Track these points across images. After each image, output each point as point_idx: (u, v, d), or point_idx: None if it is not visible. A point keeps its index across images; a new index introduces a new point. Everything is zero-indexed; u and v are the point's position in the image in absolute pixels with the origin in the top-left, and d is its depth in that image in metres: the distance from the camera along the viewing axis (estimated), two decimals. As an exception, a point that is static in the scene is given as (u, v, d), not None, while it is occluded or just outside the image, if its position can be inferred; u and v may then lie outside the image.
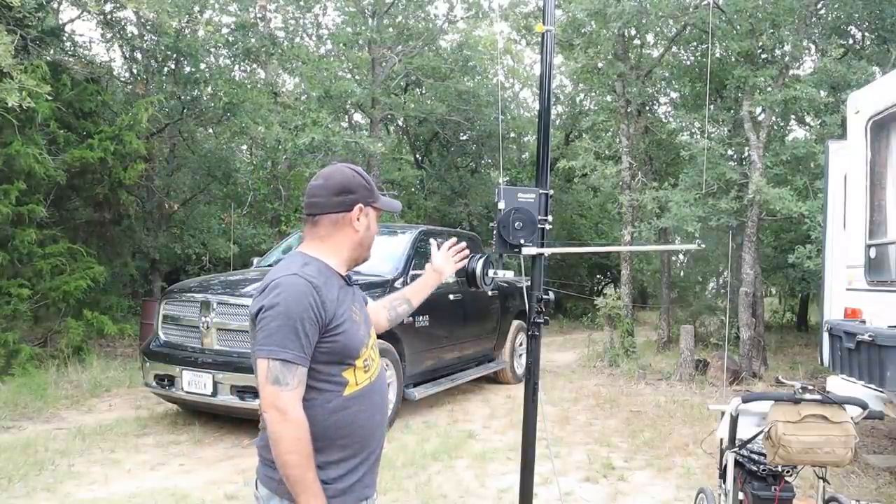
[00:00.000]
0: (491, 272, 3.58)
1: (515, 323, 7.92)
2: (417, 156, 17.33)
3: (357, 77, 13.12)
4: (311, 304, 1.56)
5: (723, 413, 2.96)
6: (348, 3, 12.56)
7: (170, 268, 11.52)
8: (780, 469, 2.69)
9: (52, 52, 8.77)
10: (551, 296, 2.93)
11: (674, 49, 10.59)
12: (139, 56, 10.89)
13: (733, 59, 8.75)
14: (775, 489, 2.68)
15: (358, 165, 1.92)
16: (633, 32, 9.93)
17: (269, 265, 6.70)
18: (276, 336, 1.54)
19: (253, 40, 10.92)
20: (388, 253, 6.30)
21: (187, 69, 10.74)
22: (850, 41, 9.94)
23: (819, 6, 9.02)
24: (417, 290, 2.17)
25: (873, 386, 3.81)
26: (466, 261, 2.45)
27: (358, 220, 1.74)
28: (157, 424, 5.70)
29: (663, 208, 9.23)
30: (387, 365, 5.49)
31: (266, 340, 1.54)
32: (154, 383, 5.51)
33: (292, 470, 1.50)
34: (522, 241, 2.86)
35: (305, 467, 1.51)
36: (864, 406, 2.64)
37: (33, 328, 8.41)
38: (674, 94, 11.91)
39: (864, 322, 4.42)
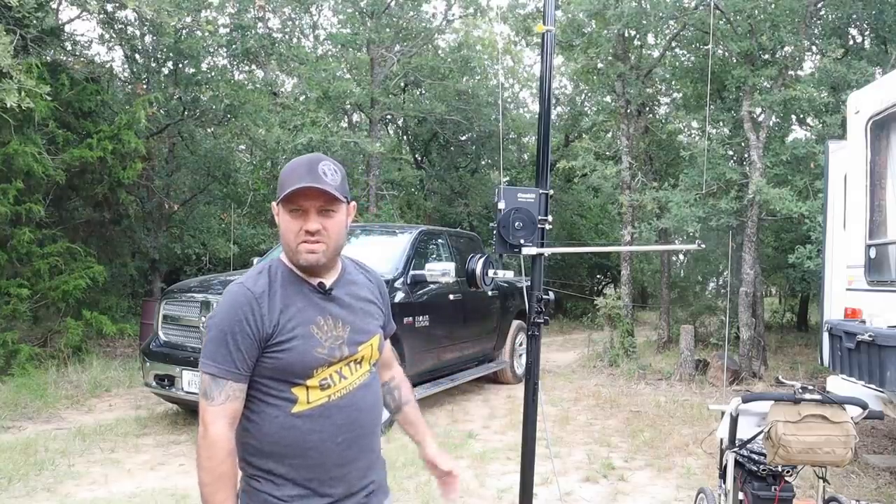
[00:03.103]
0: (491, 272, 3.58)
1: (515, 323, 7.92)
2: (417, 156, 17.32)
3: (356, 77, 13.12)
4: (244, 317, 1.46)
5: (723, 413, 2.96)
6: (346, 4, 12.56)
7: (169, 268, 11.51)
8: (780, 469, 2.69)
9: (51, 51, 8.76)
10: (551, 296, 2.94)
11: (674, 49, 10.59)
12: (139, 56, 10.89)
13: (733, 60, 8.75)
14: (775, 489, 2.68)
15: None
16: (633, 33, 9.93)
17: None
18: (208, 348, 1.49)
19: (252, 41, 10.92)
20: (387, 253, 6.30)
21: (187, 70, 10.75)
22: (850, 41, 9.94)
23: (819, 6, 9.02)
24: (412, 420, 1.87)
25: (873, 386, 3.81)
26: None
27: (276, 218, 1.59)
28: (157, 424, 5.70)
29: (663, 208, 9.23)
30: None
31: (202, 352, 1.50)
32: (154, 383, 5.51)
33: (202, 488, 1.43)
34: (522, 241, 2.86)
35: (215, 488, 1.43)
36: (864, 406, 2.64)
37: (33, 328, 8.41)
38: (674, 95, 11.91)
39: (864, 322, 4.42)
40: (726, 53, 9.10)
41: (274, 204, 1.56)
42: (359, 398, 1.59)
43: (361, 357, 1.61)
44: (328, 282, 1.60)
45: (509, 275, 7.86)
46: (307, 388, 1.51)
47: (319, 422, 1.52)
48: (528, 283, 2.97)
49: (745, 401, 2.72)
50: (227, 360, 1.46)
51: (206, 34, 9.81)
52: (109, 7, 9.03)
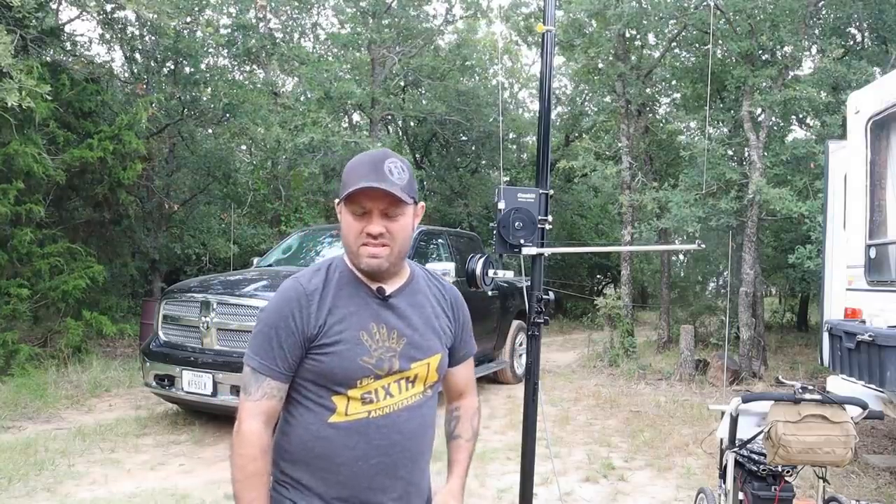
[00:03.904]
0: (491, 272, 3.58)
1: (515, 323, 7.92)
2: (417, 156, 17.32)
3: (356, 77, 13.12)
4: (291, 313, 1.40)
5: (723, 413, 2.96)
6: (347, 4, 12.56)
7: (170, 268, 11.52)
8: (780, 469, 2.69)
9: (51, 51, 8.76)
10: (551, 296, 2.93)
11: (674, 50, 10.59)
12: (139, 56, 10.89)
13: (733, 60, 8.75)
14: (775, 489, 2.68)
15: None
16: (633, 33, 9.93)
17: (269, 265, 6.70)
18: (253, 341, 1.43)
19: (253, 41, 10.92)
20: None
21: (187, 70, 10.75)
22: (850, 41, 9.94)
23: (819, 6, 9.02)
24: (453, 457, 1.69)
25: (873, 386, 3.81)
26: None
27: (340, 216, 1.48)
28: (157, 424, 5.70)
29: (663, 209, 9.23)
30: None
31: (248, 343, 1.45)
32: (154, 383, 5.51)
33: (233, 484, 1.39)
34: (522, 241, 2.86)
35: (244, 486, 1.38)
36: (864, 406, 2.64)
37: (33, 328, 8.41)
38: (674, 95, 11.92)
39: (864, 322, 4.42)
40: (726, 53, 9.11)
41: (336, 202, 1.47)
42: (402, 420, 1.46)
43: (415, 375, 1.48)
44: (389, 288, 1.49)
45: (509, 275, 7.89)
46: (348, 398, 1.42)
47: (355, 438, 1.42)
48: (528, 283, 2.97)
49: (745, 401, 2.72)
50: (268, 355, 1.41)
51: (207, 34, 9.82)
52: (109, 7, 9.03)
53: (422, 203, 1.53)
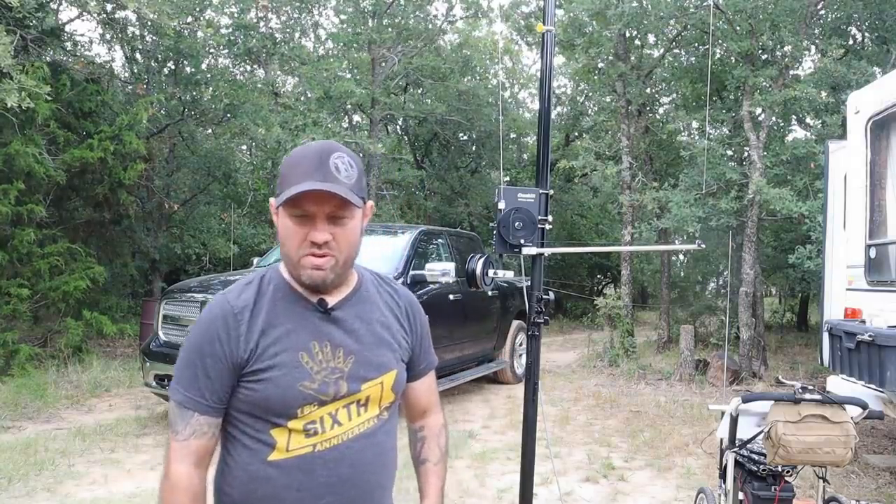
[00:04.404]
0: (491, 272, 3.58)
1: (515, 323, 7.92)
2: (417, 156, 17.33)
3: (357, 77, 13.13)
4: (216, 336, 1.21)
5: (723, 413, 2.96)
6: (347, 4, 12.57)
7: (170, 268, 11.52)
8: (780, 469, 2.69)
9: (51, 52, 8.77)
10: (551, 296, 2.94)
11: (674, 49, 10.60)
12: (139, 56, 10.90)
13: (733, 60, 8.75)
14: (775, 489, 2.68)
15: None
16: (633, 33, 9.93)
17: (269, 265, 6.70)
18: (178, 370, 1.24)
19: (254, 41, 10.93)
20: (387, 253, 6.30)
21: (188, 70, 10.75)
22: (850, 41, 9.94)
23: (819, 6, 9.02)
24: (423, 483, 1.57)
25: (873, 386, 3.81)
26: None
27: (275, 219, 1.29)
28: (157, 424, 5.70)
29: (663, 208, 9.23)
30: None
31: (174, 373, 1.26)
32: (154, 383, 5.51)
33: None
34: (522, 241, 2.86)
35: None
36: (864, 406, 2.64)
37: (33, 328, 8.41)
38: (674, 95, 11.91)
39: (864, 322, 4.42)
40: (726, 53, 9.11)
41: (272, 202, 1.25)
42: (355, 452, 1.27)
43: (367, 398, 1.30)
44: (332, 299, 1.29)
45: (509, 275, 7.87)
46: (289, 431, 1.23)
47: (299, 477, 1.23)
48: (528, 283, 2.97)
49: (745, 401, 2.72)
50: (194, 386, 1.22)
51: (208, 34, 9.82)
52: (109, 7, 9.04)
53: (370, 202, 1.34)
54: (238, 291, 1.28)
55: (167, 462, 1.24)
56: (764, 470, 2.72)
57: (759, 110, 8.55)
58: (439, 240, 7.19)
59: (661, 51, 10.54)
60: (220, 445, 1.30)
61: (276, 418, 1.23)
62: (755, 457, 2.79)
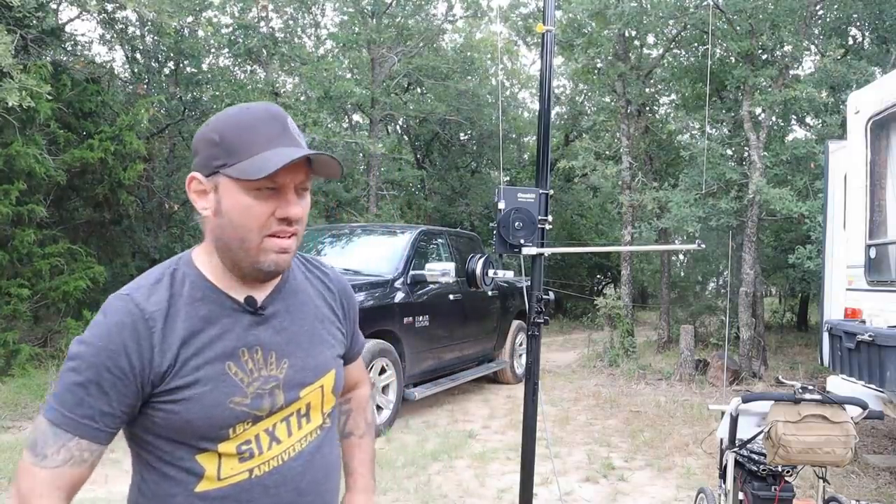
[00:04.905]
0: (491, 272, 3.59)
1: (515, 323, 7.92)
2: (418, 156, 17.34)
3: (357, 77, 13.14)
4: (122, 348, 0.99)
5: (723, 413, 2.96)
6: (347, 4, 12.58)
7: (170, 268, 11.52)
8: (780, 469, 2.69)
9: (52, 52, 8.77)
10: (551, 296, 2.95)
11: (674, 49, 10.60)
12: (140, 56, 10.90)
13: (733, 60, 8.75)
14: (775, 489, 2.68)
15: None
16: (633, 33, 9.93)
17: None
18: (62, 385, 1.01)
19: (255, 40, 10.93)
20: (387, 253, 6.30)
21: (188, 70, 10.76)
22: (850, 41, 9.95)
23: (819, 7, 9.02)
24: (349, 458, 1.35)
25: (873, 386, 3.81)
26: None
27: (197, 197, 1.07)
28: (157, 424, 5.70)
29: (663, 208, 9.24)
30: (386, 365, 5.49)
31: (53, 389, 1.02)
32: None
33: None
34: (522, 241, 2.87)
35: None
36: (864, 406, 2.64)
37: (33, 328, 8.41)
38: (674, 95, 11.92)
39: (864, 322, 4.42)
40: (726, 53, 9.11)
41: (200, 177, 1.05)
42: (299, 472, 1.09)
43: (307, 406, 1.12)
44: (260, 295, 1.10)
45: (509, 275, 7.86)
46: (219, 455, 1.04)
47: None
48: (528, 283, 2.98)
49: (745, 401, 2.72)
50: (81, 405, 0.98)
51: (208, 34, 9.83)
52: (109, 7, 9.05)
53: None
54: (147, 292, 1.04)
55: (26, 495, 0.97)
56: (764, 470, 2.73)
57: (759, 110, 8.56)
58: (439, 240, 7.20)
59: (661, 51, 10.54)
60: (134, 472, 1.10)
61: (202, 442, 1.03)
62: (755, 457, 2.79)
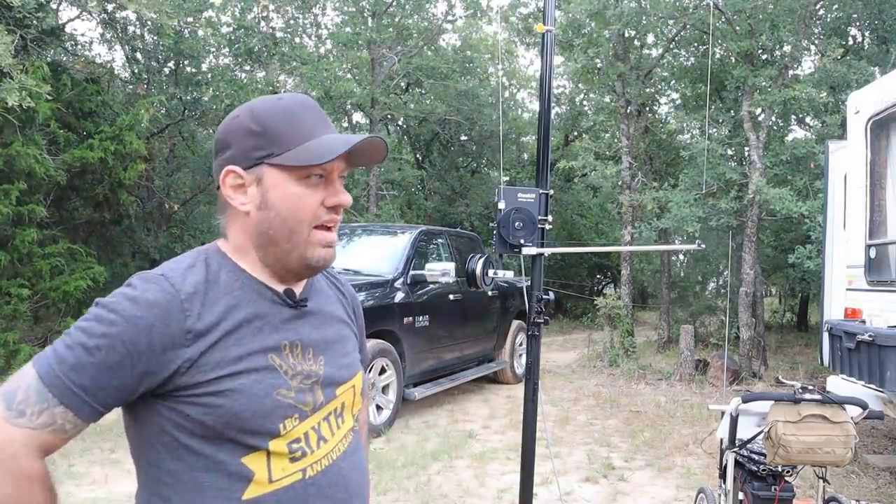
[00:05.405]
0: (491, 272, 3.58)
1: (515, 323, 7.92)
2: (418, 156, 17.33)
3: (357, 77, 13.14)
4: (151, 326, 0.89)
5: (723, 413, 2.96)
6: (347, 3, 12.58)
7: (170, 268, 11.53)
8: (780, 469, 2.69)
9: (52, 52, 8.78)
10: (551, 296, 2.94)
11: (674, 49, 10.60)
12: (140, 56, 10.91)
13: (733, 60, 8.75)
14: (775, 489, 2.68)
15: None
16: (632, 33, 9.94)
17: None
18: (65, 342, 0.89)
19: (255, 40, 10.94)
20: (387, 253, 6.30)
21: (188, 70, 10.76)
22: (850, 41, 9.95)
23: (819, 7, 9.02)
24: None
25: (873, 386, 3.81)
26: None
27: (234, 192, 1.00)
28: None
29: (663, 208, 9.24)
30: (386, 365, 5.49)
31: (56, 343, 0.90)
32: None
33: None
34: (522, 241, 2.87)
35: None
36: (864, 406, 2.64)
37: (33, 328, 8.42)
38: (674, 95, 11.92)
39: (864, 322, 4.42)
40: (726, 53, 9.11)
41: (239, 170, 0.98)
42: (349, 471, 1.05)
43: (342, 406, 1.07)
44: (298, 289, 1.06)
45: (509, 275, 7.85)
46: (269, 455, 0.95)
47: None
48: (528, 283, 2.98)
49: (745, 401, 2.72)
50: (78, 369, 0.87)
51: (208, 34, 9.84)
52: (109, 7, 9.05)
53: None
54: (182, 273, 0.96)
55: (3, 447, 0.85)
56: (764, 470, 2.73)
57: (758, 110, 8.56)
58: (439, 240, 7.20)
59: (661, 51, 10.54)
60: (149, 492, 0.96)
61: (252, 438, 0.94)
62: (755, 457, 2.79)
